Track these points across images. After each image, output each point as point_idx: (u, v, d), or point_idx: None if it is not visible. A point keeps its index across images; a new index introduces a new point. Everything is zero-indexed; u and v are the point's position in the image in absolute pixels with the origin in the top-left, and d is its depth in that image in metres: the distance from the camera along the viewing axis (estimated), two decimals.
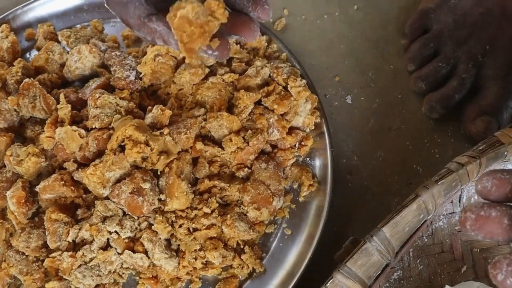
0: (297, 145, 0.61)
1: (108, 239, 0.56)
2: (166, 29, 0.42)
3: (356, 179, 0.63)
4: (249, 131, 0.59)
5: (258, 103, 0.61)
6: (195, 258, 0.56)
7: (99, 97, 0.58)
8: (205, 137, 0.61)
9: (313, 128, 0.61)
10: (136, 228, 0.57)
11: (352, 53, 0.70)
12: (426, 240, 0.57)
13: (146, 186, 0.55)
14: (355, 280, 0.50)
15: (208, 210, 0.57)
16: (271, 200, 0.57)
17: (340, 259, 0.51)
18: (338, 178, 0.62)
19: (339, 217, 0.61)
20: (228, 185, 0.58)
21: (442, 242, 0.57)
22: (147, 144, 0.55)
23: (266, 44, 0.67)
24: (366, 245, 0.50)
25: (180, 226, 0.57)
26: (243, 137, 0.59)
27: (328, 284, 0.49)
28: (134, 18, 0.43)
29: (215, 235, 0.57)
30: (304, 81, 0.61)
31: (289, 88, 0.60)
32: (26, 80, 0.61)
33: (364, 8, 0.73)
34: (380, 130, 0.66)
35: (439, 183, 0.51)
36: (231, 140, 0.58)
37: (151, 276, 0.57)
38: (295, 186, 0.61)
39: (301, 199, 0.60)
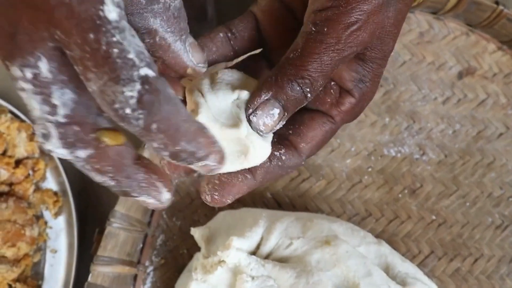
0: (31, 173, 0.64)
1: None
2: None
3: None
4: None
5: None
6: None
7: None
8: None
9: (39, 151, 0.64)
10: None
11: None
12: (173, 198, 0.64)
13: None
14: (114, 263, 0.55)
15: None
16: (23, 232, 0.59)
17: (96, 252, 0.56)
18: (83, 182, 0.66)
19: (98, 216, 0.65)
20: None
21: (188, 193, 0.64)
22: None
23: None
24: (108, 229, 0.55)
25: None
26: None
27: (89, 279, 0.53)
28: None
29: None
30: (9, 115, 0.63)
31: None
32: None
33: None
34: None
35: (145, 147, 0.58)
36: None
37: None
38: (44, 210, 0.64)
39: (53, 218, 0.63)
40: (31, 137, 0.64)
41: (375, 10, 0.34)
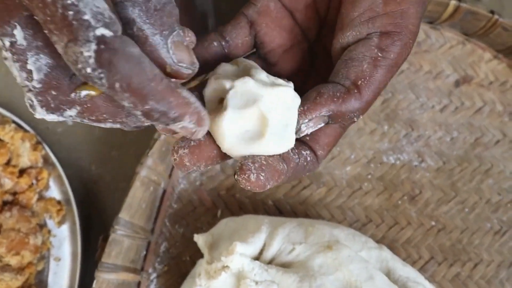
0: (35, 182, 0.64)
1: None
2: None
3: (102, 184, 0.69)
4: None
5: None
6: None
7: None
8: None
9: (42, 160, 0.65)
10: None
11: None
12: (175, 205, 0.64)
13: None
14: (118, 270, 0.55)
15: None
16: (27, 240, 0.60)
17: (100, 258, 0.56)
18: (86, 191, 0.67)
19: (102, 223, 0.66)
20: None
21: (191, 200, 0.65)
22: None
23: None
24: (112, 236, 0.56)
25: None
26: None
27: (93, 286, 0.54)
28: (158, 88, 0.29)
29: None
30: (12, 125, 0.64)
31: (1, 137, 0.63)
32: None
33: None
34: (108, 133, 0.71)
35: (149, 154, 0.59)
36: None
37: None
38: (48, 218, 0.64)
39: (57, 226, 0.63)
40: (35, 146, 0.65)
41: (416, 30, 0.36)
